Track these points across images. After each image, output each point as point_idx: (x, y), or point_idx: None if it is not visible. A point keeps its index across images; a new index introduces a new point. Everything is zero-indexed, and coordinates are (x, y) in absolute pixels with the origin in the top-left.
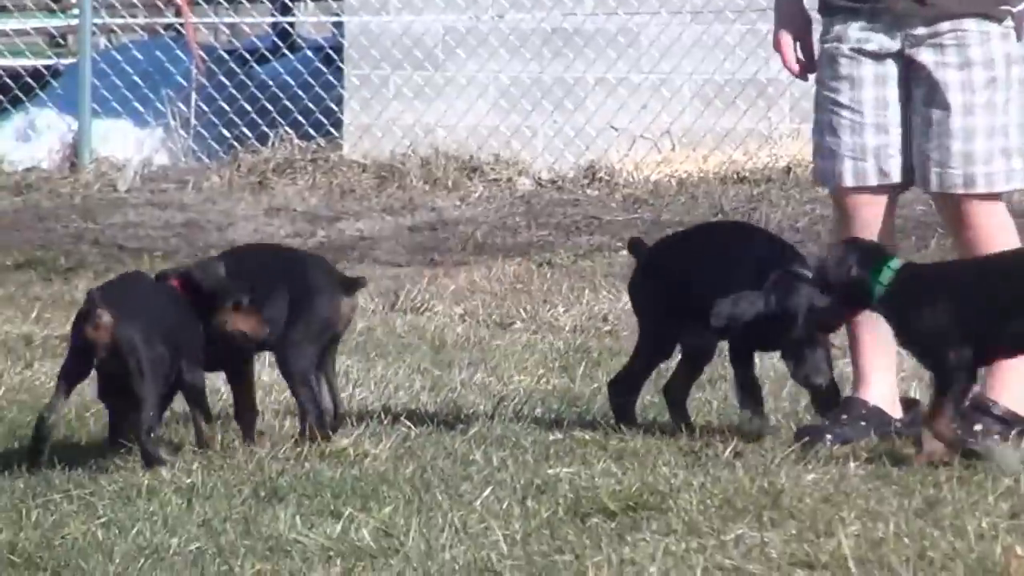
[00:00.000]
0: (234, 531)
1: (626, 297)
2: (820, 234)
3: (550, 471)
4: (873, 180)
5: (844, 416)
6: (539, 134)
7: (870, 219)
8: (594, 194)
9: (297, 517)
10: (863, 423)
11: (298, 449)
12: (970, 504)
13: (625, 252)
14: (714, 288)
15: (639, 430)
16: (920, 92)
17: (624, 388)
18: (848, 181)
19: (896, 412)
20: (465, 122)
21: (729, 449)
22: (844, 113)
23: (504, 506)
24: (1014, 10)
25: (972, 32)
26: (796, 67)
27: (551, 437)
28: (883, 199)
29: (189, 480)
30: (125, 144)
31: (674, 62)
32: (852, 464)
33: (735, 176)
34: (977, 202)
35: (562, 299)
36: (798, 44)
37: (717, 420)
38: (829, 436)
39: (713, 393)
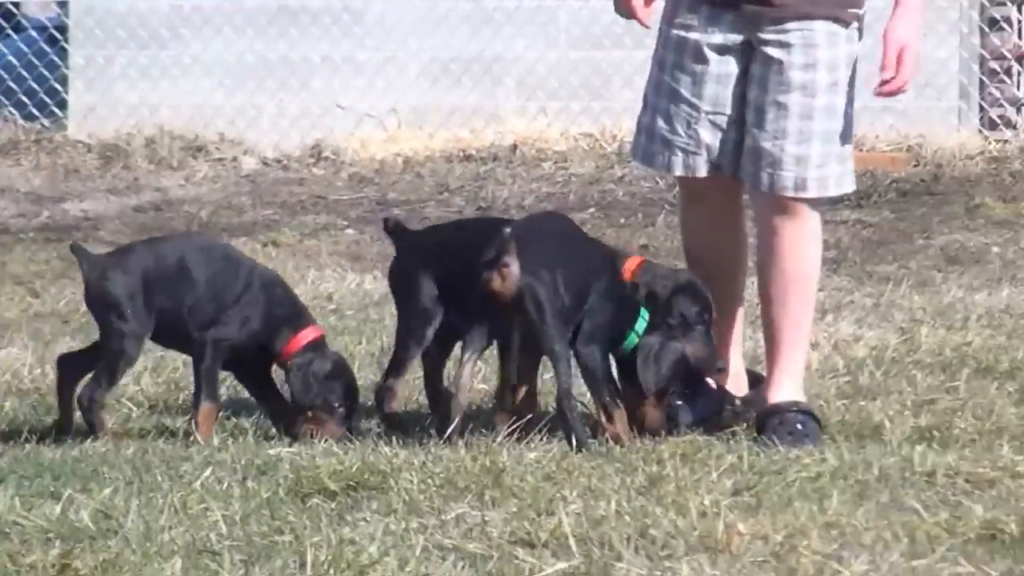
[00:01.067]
0: None
1: (351, 276)
2: None
3: (271, 452)
4: (703, 173)
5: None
6: (264, 113)
7: (719, 202)
8: (320, 173)
9: (16, 499)
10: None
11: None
12: (693, 481)
13: (351, 231)
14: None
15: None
16: (760, 91)
17: (390, 373)
18: (678, 171)
19: (743, 389)
20: (190, 101)
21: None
22: (682, 106)
23: (224, 487)
24: (860, 13)
25: (820, 33)
26: (643, 16)
27: None
28: (725, 189)
29: None
30: None
31: (399, 39)
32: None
33: (461, 154)
34: (801, 206)
35: (287, 278)
36: None
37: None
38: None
39: None
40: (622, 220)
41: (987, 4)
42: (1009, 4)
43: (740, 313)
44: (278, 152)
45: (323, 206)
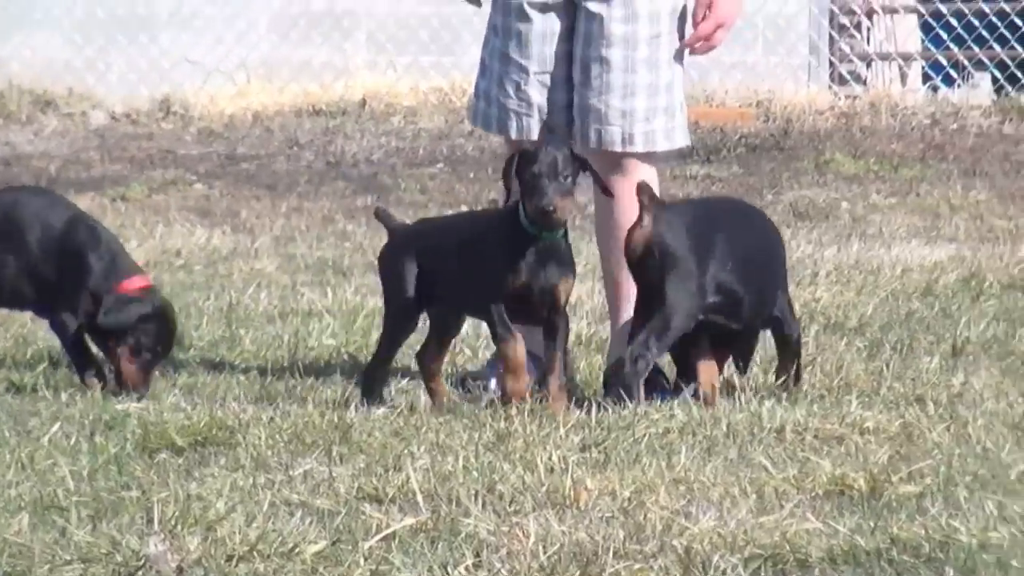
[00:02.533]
0: None
1: (200, 231)
2: (394, 167)
3: (119, 407)
4: (536, 135)
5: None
6: (113, 68)
7: None
8: (168, 128)
9: None
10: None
11: None
12: (541, 437)
13: (200, 186)
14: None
15: (207, 367)
16: (584, 47)
17: (374, 365)
18: (513, 134)
19: None
20: (39, 55)
21: (299, 385)
22: (511, 68)
23: (72, 442)
24: None
25: None
26: None
27: None
28: None
29: None
30: None
31: None
32: (423, 397)
33: (311, 109)
34: (632, 161)
35: (135, 233)
36: None
37: (288, 356)
38: (493, 380)
39: (284, 328)
40: (471, 175)
41: None
42: None
43: None
44: (127, 107)
45: (172, 161)
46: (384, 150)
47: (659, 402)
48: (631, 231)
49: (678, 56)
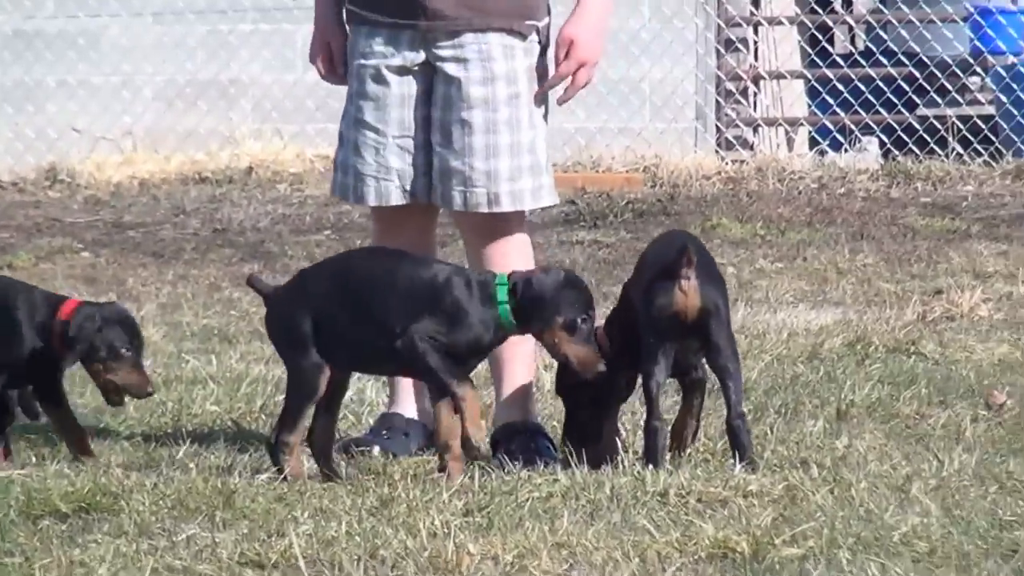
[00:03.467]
0: None
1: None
2: (281, 234)
3: (1, 474)
4: (396, 200)
5: (385, 431)
6: (0, 136)
7: (412, 234)
8: (56, 196)
9: None
10: (404, 436)
11: None
12: (424, 502)
13: (86, 253)
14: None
15: (91, 433)
16: (444, 111)
17: (282, 429)
18: (372, 200)
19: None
20: None
21: (183, 451)
22: (368, 133)
23: None
24: (539, 24)
25: (495, 47)
26: (330, 74)
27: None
28: (419, 216)
29: None
30: None
31: (135, 63)
32: (306, 463)
33: (197, 176)
34: (502, 223)
35: None
36: (333, 52)
37: (172, 422)
38: (377, 447)
39: (168, 395)
40: (358, 242)
41: (723, 25)
42: (745, 25)
43: None
44: (13, 175)
45: (58, 229)
46: (270, 217)
47: (543, 467)
48: (671, 293)
49: (539, 115)
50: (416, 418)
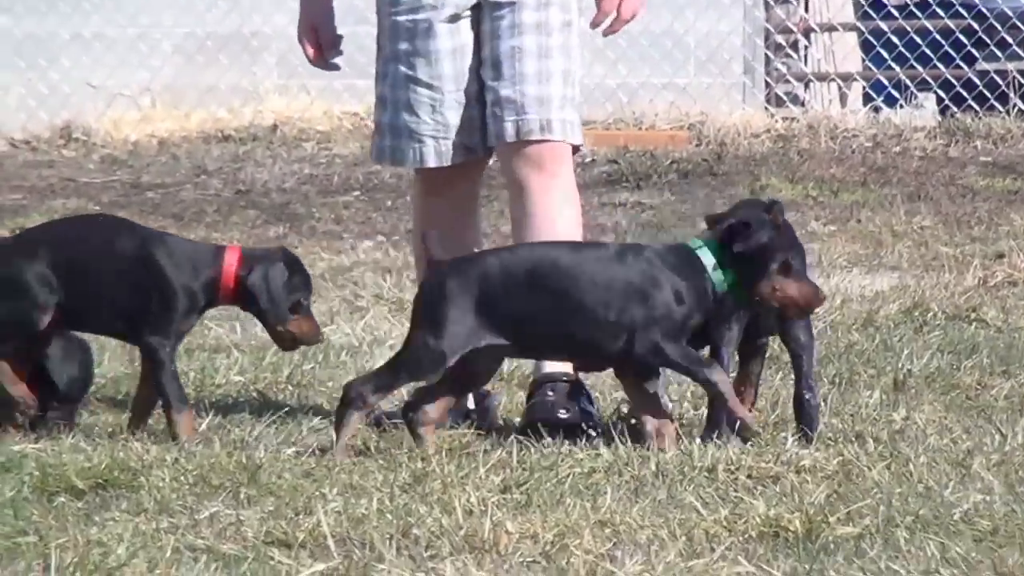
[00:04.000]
0: None
1: None
2: (308, 195)
3: (15, 447)
4: (458, 158)
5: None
6: (11, 92)
7: (459, 194)
8: (70, 155)
9: None
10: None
11: None
12: (459, 478)
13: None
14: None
15: (109, 405)
16: (493, 42)
17: (368, 384)
18: (431, 162)
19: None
20: None
21: (205, 423)
22: (422, 91)
23: None
24: None
25: None
26: (318, 59)
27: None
28: (470, 173)
29: None
30: None
31: (153, 15)
32: (335, 436)
33: (219, 134)
34: (550, 163)
35: None
36: (320, 36)
37: (194, 393)
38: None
39: (190, 364)
40: (388, 203)
41: None
42: None
43: None
44: (26, 133)
45: (73, 190)
46: (296, 178)
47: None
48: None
49: (579, 52)
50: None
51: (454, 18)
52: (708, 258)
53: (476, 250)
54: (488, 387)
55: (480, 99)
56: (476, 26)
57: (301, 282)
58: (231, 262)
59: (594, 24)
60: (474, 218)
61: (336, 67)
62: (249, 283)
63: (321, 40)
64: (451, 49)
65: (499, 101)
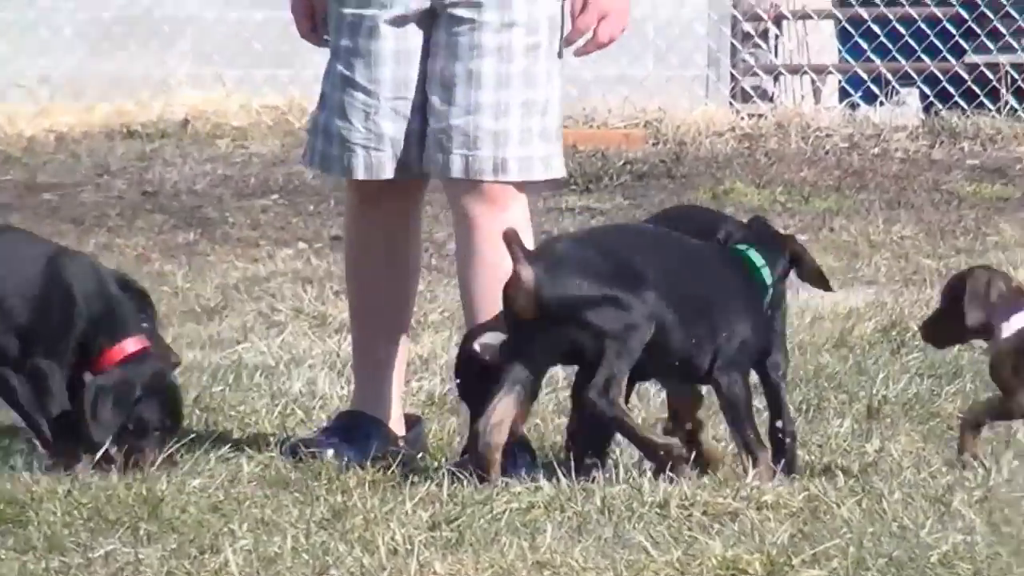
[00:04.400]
0: None
1: None
2: (221, 198)
3: None
4: (389, 173)
5: (343, 430)
6: None
7: (395, 209)
8: None
9: None
10: (366, 438)
11: None
12: (384, 513)
13: None
14: None
15: None
16: (447, 60)
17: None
18: (360, 173)
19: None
20: None
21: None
22: (357, 95)
23: None
24: None
25: None
26: (310, 33)
27: None
28: (409, 190)
29: None
30: None
31: None
32: (246, 467)
33: (124, 130)
34: (504, 193)
35: None
36: (316, 9)
37: None
38: (331, 450)
39: None
40: (310, 208)
41: None
42: None
43: (405, 347)
44: None
45: None
46: (209, 178)
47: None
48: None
49: (556, 71)
50: (380, 417)
51: (401, 20)
52: (759, 261)
53: (413, 278)
54: (419, 412)
55: (422, 113)
56: (428, 32)
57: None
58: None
59: (566, 44)
60: (413, 238)
61: (327, 43)
62: None
63: (316, 11)
64: (394, 52)
65: (448, 130)
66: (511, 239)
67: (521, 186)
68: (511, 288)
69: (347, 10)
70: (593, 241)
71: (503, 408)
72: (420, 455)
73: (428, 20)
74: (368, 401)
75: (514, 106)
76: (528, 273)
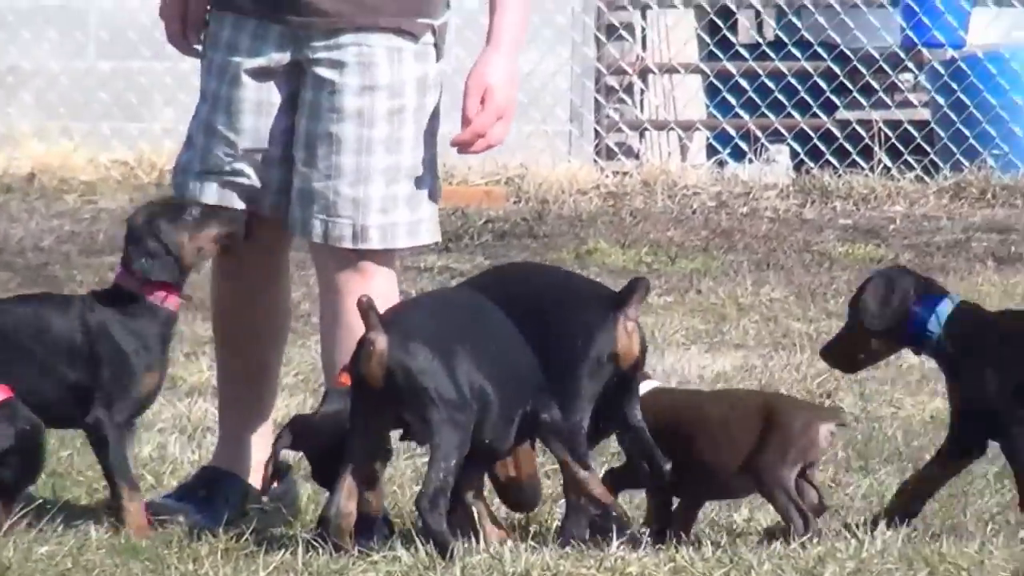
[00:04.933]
0: None
1: None
2: (69, 255)
3: None
4: (244, 204)
5: (201, 491)
6: None
7: (255, 264)
8: None
9: None
10: (224, 500)
11: None
12: None
13: None
14: None
15: None
16: (311, 121)
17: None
18: (211, 198)
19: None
20: None
21: None
22: (219, 143)
23: None
24: (436, 24)
25: (379, 50)
26: (180, 38)
27: None
28: (267, 246)
29: None
30: None
31: None
32: (95, 534)
33: None
34: (364, 259)
35: None
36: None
37: None
38: (182, 515)
39: None
40: None
41: (604, 8)
42: (631, 8)
43: (272, 401)
44: None
45: None
46: (56, 235)
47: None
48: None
49: (426, 135)
50: (239, 473)
51: (264, 71)
52: None
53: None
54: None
55: (283, 166)
56: (292, 85)
57: None
58: None
59: (456, 142)
60: (280, 288)
61: (198, 53)
62: None
63: (189, 15)
64: (255, 103)
65: (309, 192)
66: (365, 308)
67: (385, 253)
68: (361, 354)
69: (216, 54)
70: (445, 305)
71: (353, 480)
72: (280, 515)
73: (296, 75)
74: (230, 457)
75: (375, 172)
76: (381, 341)
